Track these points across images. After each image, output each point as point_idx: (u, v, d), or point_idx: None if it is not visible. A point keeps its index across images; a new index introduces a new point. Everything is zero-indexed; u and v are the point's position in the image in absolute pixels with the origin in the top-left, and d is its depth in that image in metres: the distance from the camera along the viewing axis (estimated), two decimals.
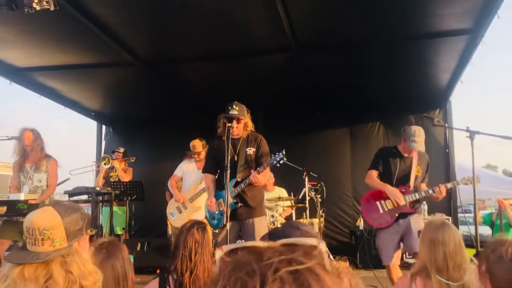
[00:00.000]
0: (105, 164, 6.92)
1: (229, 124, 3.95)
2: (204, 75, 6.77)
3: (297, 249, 0.64)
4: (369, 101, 7.79)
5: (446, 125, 7.45)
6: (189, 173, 5.85)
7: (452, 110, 7.91)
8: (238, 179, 4.06)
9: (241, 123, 4.04)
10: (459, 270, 2.17)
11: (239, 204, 4.03)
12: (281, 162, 3.96)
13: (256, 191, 4.11)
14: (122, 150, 7.46)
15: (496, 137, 3.83)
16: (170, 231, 6.08)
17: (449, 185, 4.08)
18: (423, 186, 4.33)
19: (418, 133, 4.12)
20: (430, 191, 4.09)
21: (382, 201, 4.27)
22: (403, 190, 4.19)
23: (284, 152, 3.95)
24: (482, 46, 5.29)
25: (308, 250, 0.65)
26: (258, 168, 3.96)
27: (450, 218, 6.67)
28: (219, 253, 0.69)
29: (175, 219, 5.68)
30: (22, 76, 6.46)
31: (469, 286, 2.15)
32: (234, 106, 3.99)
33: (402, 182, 4.25)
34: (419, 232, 2.51)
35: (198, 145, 5.73)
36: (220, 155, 4.05)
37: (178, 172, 6.04)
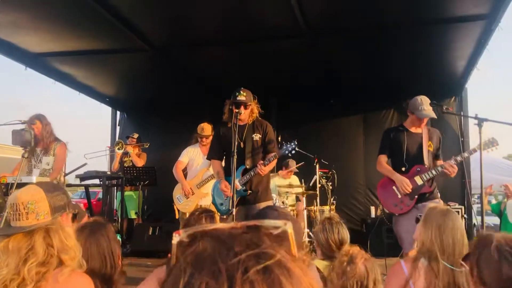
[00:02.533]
0: (118, 149, 7.03)
1: (237, 110, 3.95)
2: (216, 61, 6.77)
3: (263, 234, 0.58)
4: (383, 88, 7.68)
5: (461, 112, 7.31)
6: (196, 159, 5.81)
7: (468, 97, 7.78)
8: (247, 167, 4.06)
9: (248, 108, 4.03)
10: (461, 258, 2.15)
11: (248, 192, 4.05)
12: (293, 152, 3.96)
13: (262, 176, 4.11)
14: (136, 136, 7.57)
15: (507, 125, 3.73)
16: (177, 215, 6.10)
17: (459, 158, 3.87)
18: (439, 163, 4.14)
19: (425, 101, 4.00)
20: (447, 165, 3.88)
21: None
22: (419, 169, 4.01)
23: (296, 142, 3.94)
24: (498, 32, 5.18)
25: (274, 233, 0.59)
26: (266, 159, 3.95)
27: (463, 207, 6.55)
28: (176, 238, 0.59)
29: (182, 204, 5.69)
30: (37, 61, 6.54)
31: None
32: (241, 92, 3.97)
33: (414, 159, 4.05)
34: (418, 216, 2.46)
35: (207, 128, 5.69)
36: (227, 142, 4.06)
37: (184, 158, 5.85)
